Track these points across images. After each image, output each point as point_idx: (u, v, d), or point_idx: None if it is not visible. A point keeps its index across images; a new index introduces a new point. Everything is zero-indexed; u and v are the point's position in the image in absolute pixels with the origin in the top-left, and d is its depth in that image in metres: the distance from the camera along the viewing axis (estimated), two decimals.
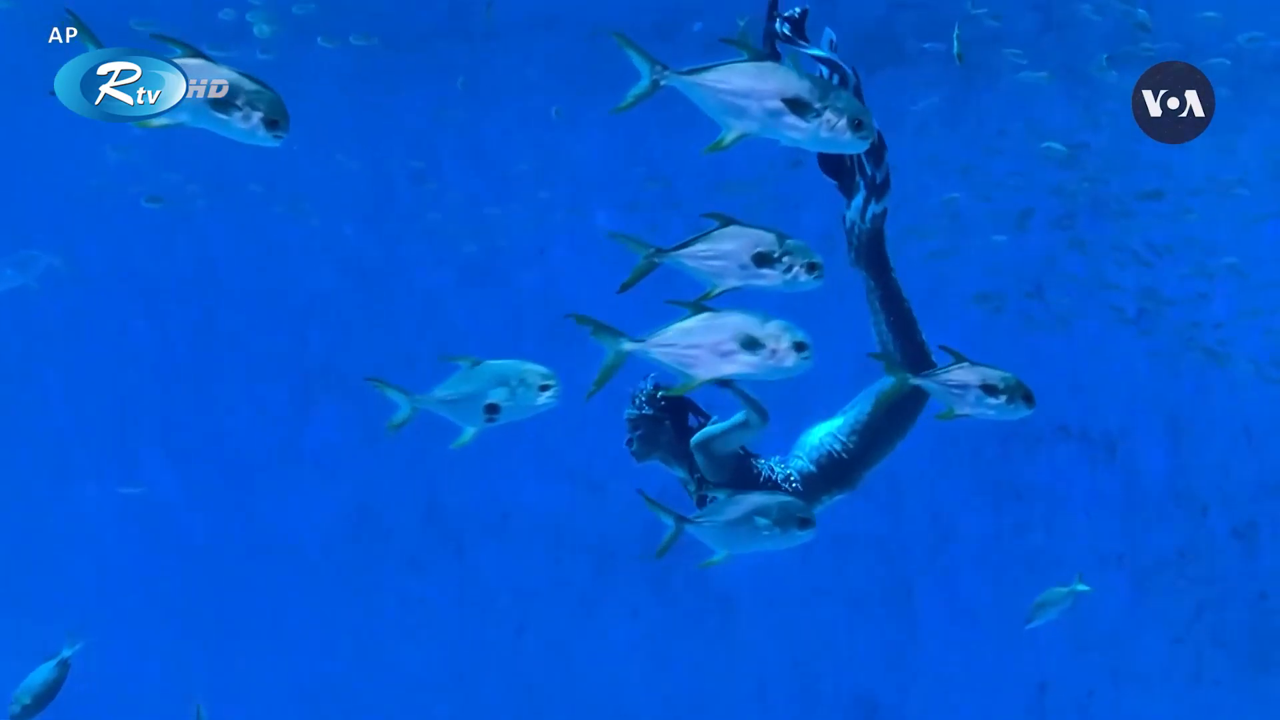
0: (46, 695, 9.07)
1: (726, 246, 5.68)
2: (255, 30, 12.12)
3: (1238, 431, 13.49)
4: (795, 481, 7.00)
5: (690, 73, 5.56)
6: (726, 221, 5.72)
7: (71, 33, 7.40)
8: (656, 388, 7.03)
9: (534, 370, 5.96)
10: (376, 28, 13.27)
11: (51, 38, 7.68)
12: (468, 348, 13.47)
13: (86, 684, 13.65)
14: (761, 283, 5.66)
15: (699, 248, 5.71)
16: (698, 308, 5.75)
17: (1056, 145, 12.53)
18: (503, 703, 13.77)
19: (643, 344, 5.79)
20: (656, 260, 5.74)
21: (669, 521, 6.31)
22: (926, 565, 13.62)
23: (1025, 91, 12.53)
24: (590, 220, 13.70)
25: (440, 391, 6.03)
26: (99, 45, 5.43)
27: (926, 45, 11.99)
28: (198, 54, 5.36)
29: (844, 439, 7.11)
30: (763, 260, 5.66)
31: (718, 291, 5.70)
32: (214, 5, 12.31)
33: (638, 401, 7.10)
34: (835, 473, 7.07)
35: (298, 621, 13.89)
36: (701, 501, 6.98)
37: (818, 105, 5.50)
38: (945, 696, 13.60)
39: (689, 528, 6.31)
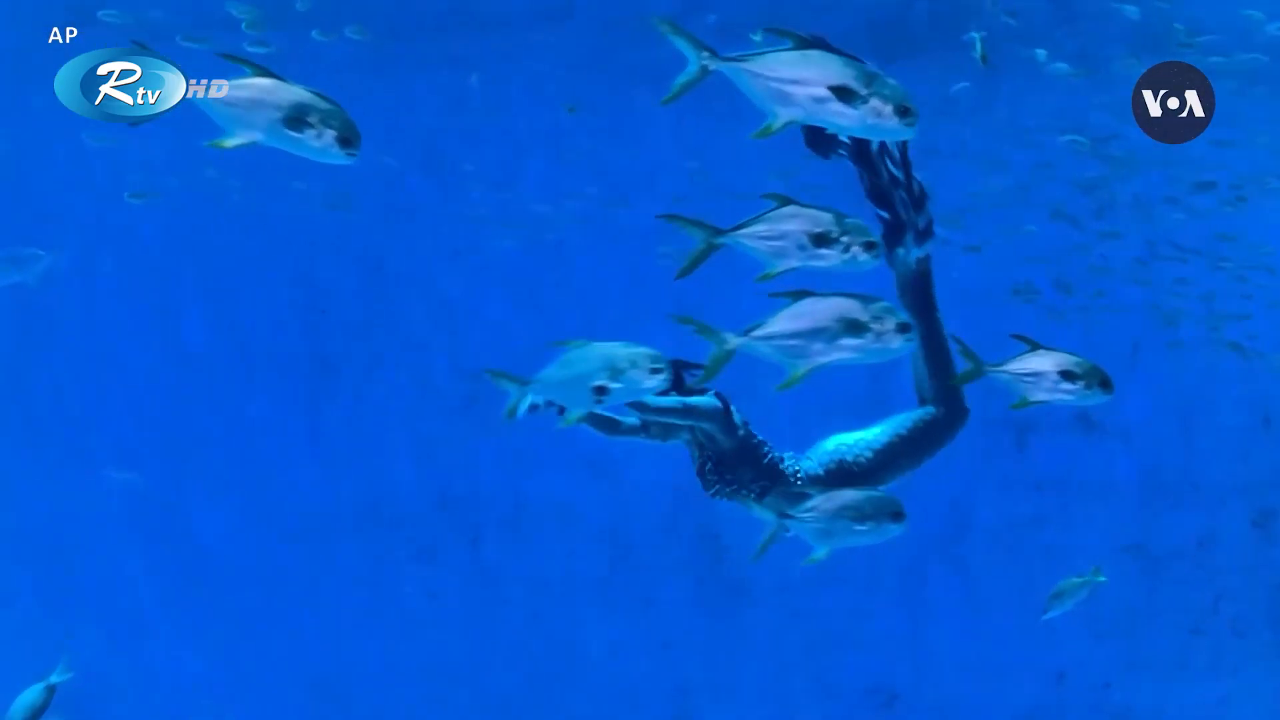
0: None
1: (785, 227, 5.62)
2: (243, 25, 12.02)
3: (1256, 421, 13.45)
4: (801, 479, 7.02)
5: (737, 59, 5.50)
6: (784, 202, 5.66)
7: (72, 32, 7.33)
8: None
9: (644, 353, 5.90)
10: (382, 19, 13.22)
11: (51, 38, 7.61)
12: (482, 337, 13.40)
13: (105, 675, 13.72)
14: (820, 263, 5.60)
15: (758, 228, 5.65)
16: (797, 296, 5.69)
17: (1080, 139, 12.46)
18: (516, 692, 13.74)
19: (747, 338, 5.73)
20: (715, 242, 5.68)
21: (769, 519, 6.34)
22: (943, 554, 13.57)
23: (1049, 83, 12.47)
24: (613, 215, 13.68)
25: (549, 374, 5.98)
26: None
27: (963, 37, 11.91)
28: (267, 73, 5.32)
29: (859, 453, 7.16)
30: (821, 240, 5.60)
31: (777, 272, 5.63)
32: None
33: None
34: (839, 483, 7.09)
35: (312, 612, 13.86)
36: (702, 468, 7.02)
37: (864, 92, 5.44)
38: (962, 686, 13.56)
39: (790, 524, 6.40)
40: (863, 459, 7.14)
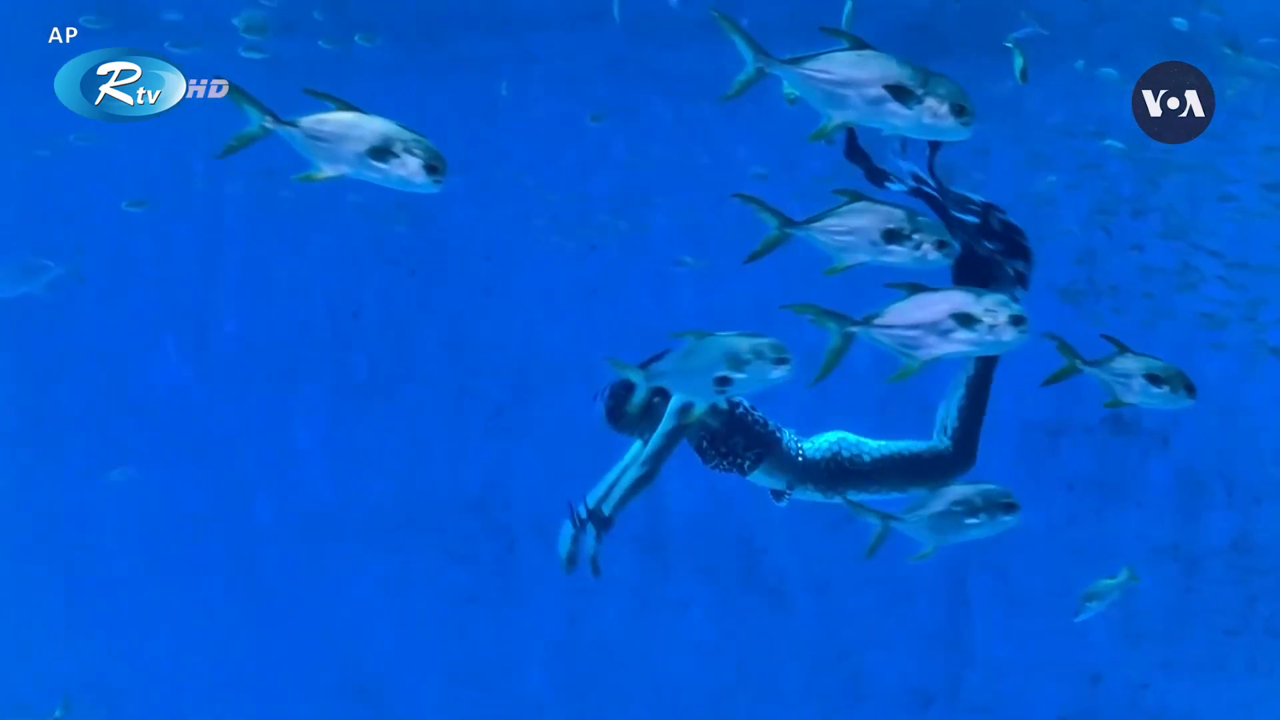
0: None
1: (857, 222, 5.66)
2: (240, 29, 12.07)
3: None
4: (802, 458, 7.12)
5: (793, 61, 5.55)
6: (856, 197, 5.71)
7: (72, 32, 7.36)
8: (614, 391, 7.10)
9: (767, 343, 5.97)
10: (410, 21, 13.30)
11: (51, 38, 7.64)
12: (517, 341, 13.42)
13: (133, 675, 13.78)
14: (890, 259, 5.65)
15: (829, 222, 5.68)
16: (914, 288, 5.74)
17: (1115, 143, 12.49)
18: (553, 696, 13.77)
19: (865, 326, 5.78)
20: (787, 232, 5.72)
21: (875, 521, 6.39)
22: (979, 556, 13.56)
23: (1086, 85, 12.50)
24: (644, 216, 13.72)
25: (671, 365, 6.05)
26: (261, 109, 5.42)
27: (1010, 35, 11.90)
28: (350, 107, 5.39)
29: (855, 454, 7.19)
30: (892, 236, 5.64)
31: (845, 266, 5.68)
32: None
33: (614, 393, 7.15)
34: (827, 473, 7.16)
35: (347, 616, 13.90)
36: (700, 445, 7.09)
37: (920, 91, 5.48)
38: (998, 688, 13.57)
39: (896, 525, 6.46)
40: (860, 464, 7.19)
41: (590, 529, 6.93)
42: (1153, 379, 6.39)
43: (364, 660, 13.85)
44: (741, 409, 7.16)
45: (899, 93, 5.46)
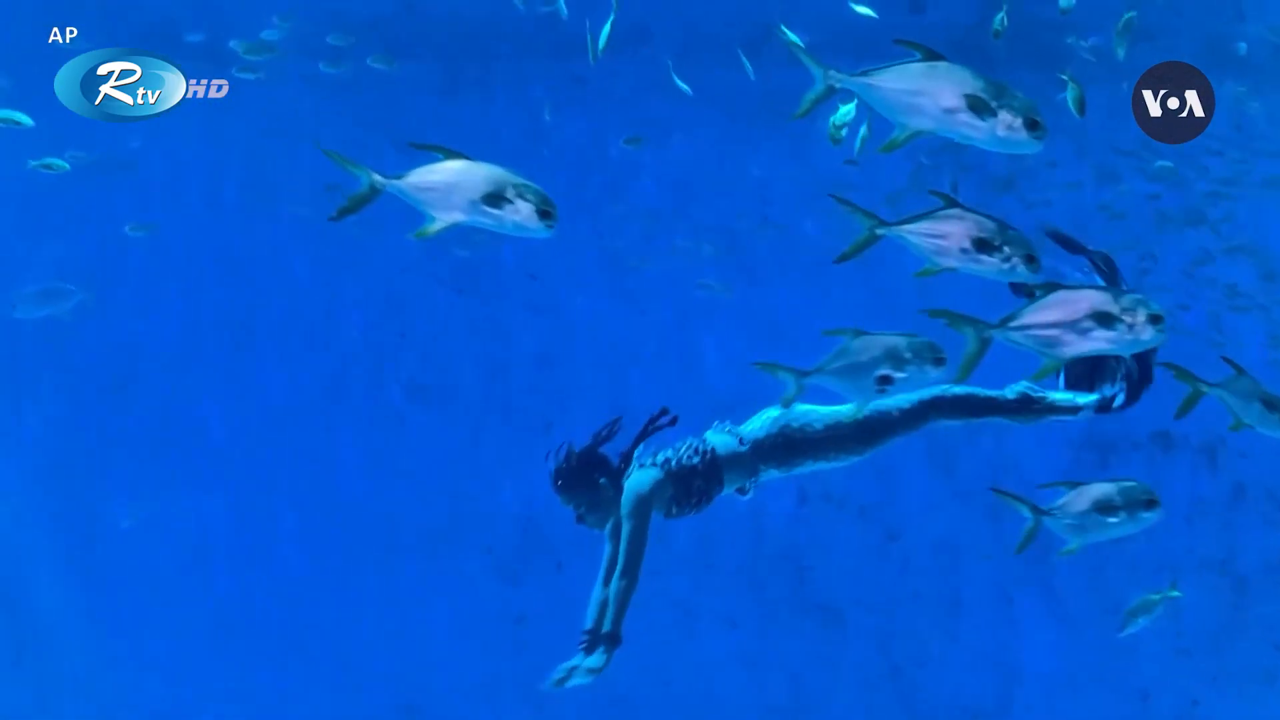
0: None
1: (948, 228, 5.70)
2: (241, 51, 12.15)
3: None
4: (746, 444, 7.11)
5: (863, 74, 5.59)
6: (950, 203, 5.74)
7: (72, 32, 7.36)
8: (569, 454, 7.13)
9: (926, 343, 6.03)
10: (457, 44, 13.38)
11: (51, 38, 7.64)
12: (563, 360, 13.43)
13: (179, 699, 13.83)
14: (978, 268, 5.69)
15: (922, 225, 5.73)
16: (1049, 288, 5.78)
17: (1166, 163, 12.52)
18: (602, 715, 13.76)
19: (1003, 329, 5.82)
20: (879, 233, 5.76)
21: (1027, 515, 6.47)
22: (1027, 572, 13.55)
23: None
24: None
25: (829, 364, 6.10)
26: (365, 169, 5.48)
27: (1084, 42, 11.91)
28: (459, 155, 5.43)
29: (811, 423, 7.17)
30: (983, 246, 5.67)
31: (934, 270, 5.72)
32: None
33: (559, 483, 7.19)
34: (779, 448, 7.16)
35: (397, 635, 13.93)
36: (668, 513, 7.13)
37: (994, 104, 5.51)
38: (1048, 705, 13.54)
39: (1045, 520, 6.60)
40: (809, 429, 7.18)
41: (601, 649, 7.00)
42: (1267, 404, 6.43)
43: (413, 680, 13.87)
44: (673, 463, 7.17)
45: (973, 104, 5.49)
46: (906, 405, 7.23)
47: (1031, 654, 13.62)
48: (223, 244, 13.99)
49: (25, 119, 8.65)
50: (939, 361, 5.98)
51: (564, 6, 10.58)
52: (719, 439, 7.26)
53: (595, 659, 6.90)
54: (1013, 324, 5.82)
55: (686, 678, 13.72)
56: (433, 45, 13.42)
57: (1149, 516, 6.54)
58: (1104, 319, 5.76)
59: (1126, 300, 5.78)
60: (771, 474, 7.30)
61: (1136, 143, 12.85)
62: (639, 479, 7.10)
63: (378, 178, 5.43)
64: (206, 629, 13.86)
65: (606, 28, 10.00)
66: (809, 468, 7.25)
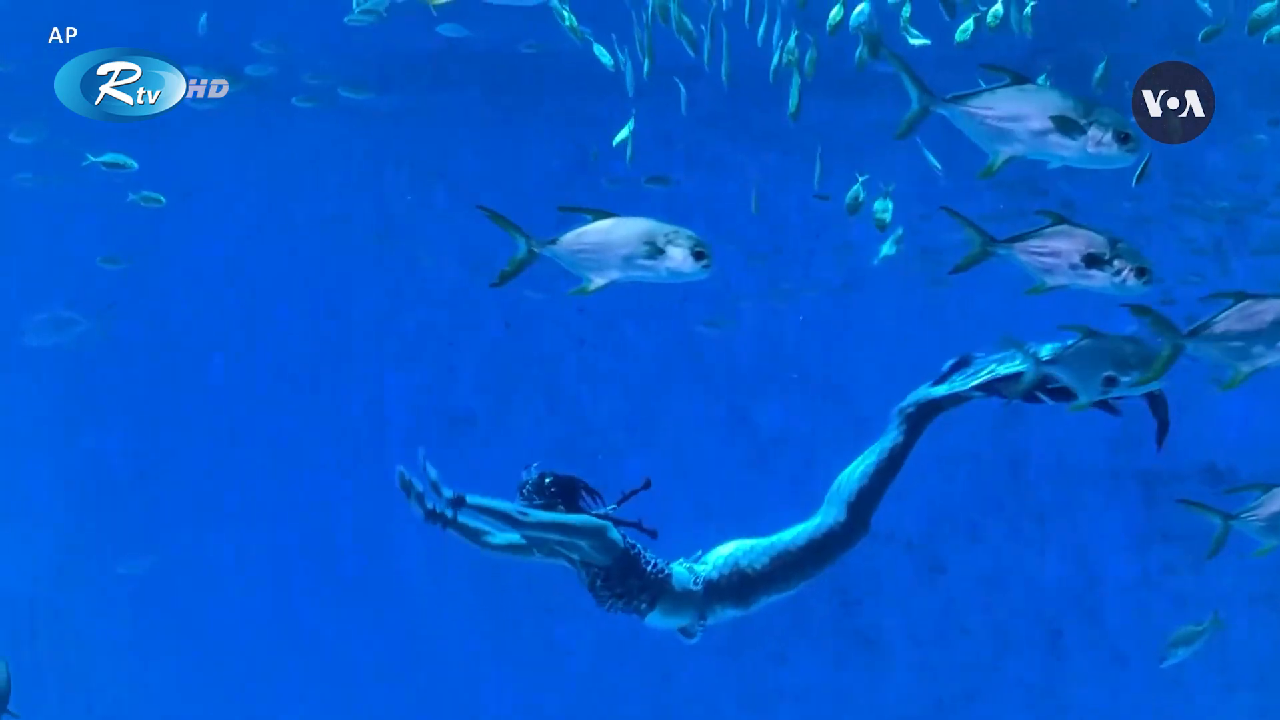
0: None
1: (1059, 244, 5.76)
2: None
3: None
4: (699, 583, 7.14)
5: (956, 99, 5.66)
6: (1059, 220, 5.79)
7: (72, 32, 7.41)
8: (542, 475, 7.15)
9: (1150, 352, 6.10)
10: (504, 75, 13.46)
11: (51, 38, 7.69)
12: (608, 388, 13.42)
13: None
14: (1089, 283, 5.74)
15: (1032, 243, 5.79)
16: (1239, 297, 5.82)
17: (1223, 204, 12.58)
18: None
19: (1195, 338, 5.88)
20: (990, 250, 5.82)
21: (1216, 520, 6.57)
22: (1073, 606, 13.55)
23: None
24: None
25: (1064, 356, 6.19)
26: (524, 233, 5.55)
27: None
28: (604, 214, 5.53)
29: (757, 559, 7.21)
30: (1093, 261, 5.72)
31: (1046, 288, 5.77)
32: None
33: (526, 491, 7.22)
34: (735, 586, 7.18)
35: (439, 667, 13.92)
36: (593, 584, 7.15)
37: (1083, 122, 5.57)
38: None
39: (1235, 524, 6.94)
40: (761, 565, 7.26)
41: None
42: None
43: (462, 710, 13.86)
44: (635, 549, 7.22)
45: (1063, 125, 5.55)
46: (837, 520, 7.28)
47: (1078, 689, 13.59)
48: (271, 276, 14.05)
49: (131, 162, 8.78)
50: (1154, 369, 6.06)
51: (604, 54, 10.64)
52: (680, 569, 7.31)
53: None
54: (1205, 333, 5.87)
55: (735, 708, 13.71)
56: (477, 79, 13.51)
57: None
58: None
59: None
60: (730, 612, 7.31)
61: None
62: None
63: (535, 244, 5.55)
64: (252, 653, 13.87)
65: (628, 130, 10.13)
66: (767, 600, 7.30)
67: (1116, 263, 5.73)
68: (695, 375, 14.06)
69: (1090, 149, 5.58)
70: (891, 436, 7.34)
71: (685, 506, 13.68)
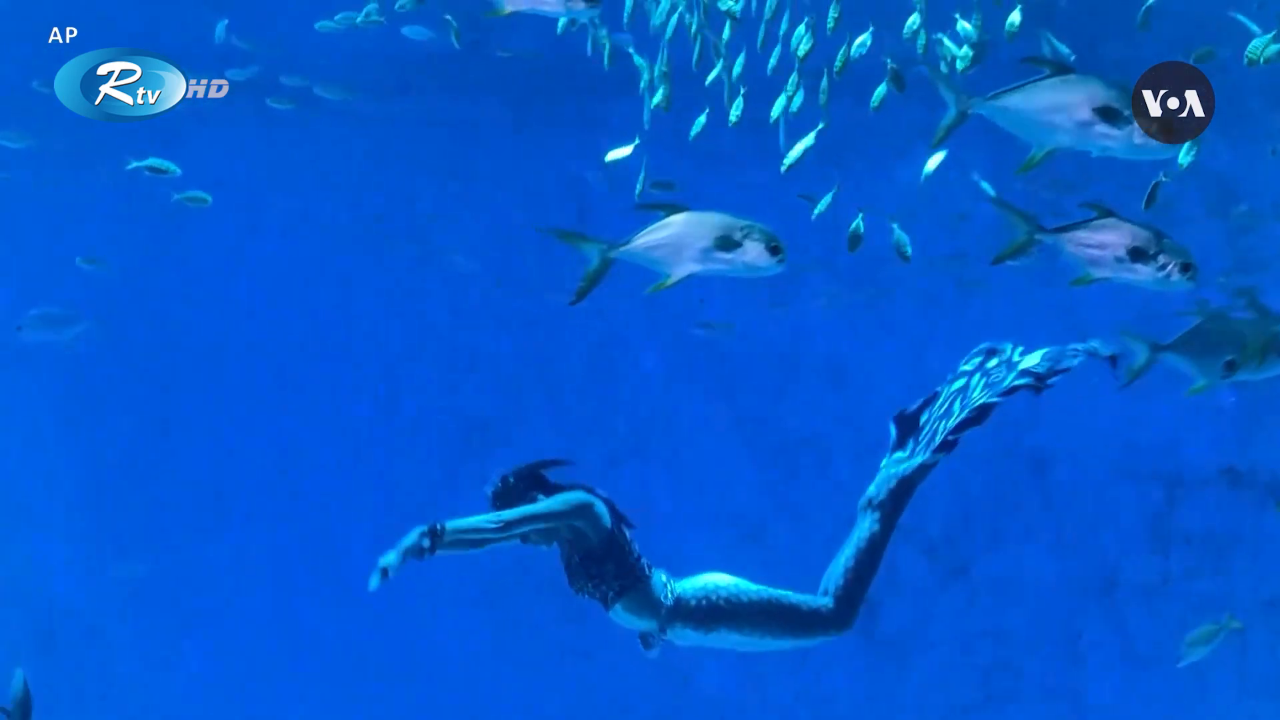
0: None
1: (1105, 237, 5.75)
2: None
3: None
4: (672, 595, 7.11)
5: (995, 97, 5.64)
6: (1105, 213, 5.78)
7: (72, 32, 7.40)
8: (504, 479, 7.31)
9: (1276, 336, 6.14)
10: (523, 81, 13.46)
11: (51, 38, 7.68)
12: (628, 394, 13.40)
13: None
14: (1133, 277, 5.73)
15: (1078, 234, 5.77)
16: None
17: (1243, 208, 12.60)
18: None
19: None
20: (1036, 238, 5.81)
21: None
22: (1093, 610, 13.53)
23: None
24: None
25: (1181, 343, 6.22)
26: (593, 241, 5.56)
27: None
28: (677, 208, 5.51)
29: (739, 595, 7.18)
30: (1138, 255, 5.71)
31: (1090, 280, 5.76)
32: None
33: (497, 504, 7.20)
34: (701, 611, 7.15)
35: (456, 671, 13.91)
36: (570, 560, 7.14)
37: (1128, 112, 5.55)
38: None
39: None
40: (734, 600, 7.17)
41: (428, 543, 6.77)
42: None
43: (462, 710, 13.84)
44: (624, 536, 7.20)
45: (1108, 114, 5.53)
46: (825, 607, 7.26)
47: (1098, 691, 13.56)
48: (288, 281, 14.06)
49: (174, 168, 8.79)
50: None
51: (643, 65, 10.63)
52: (659, 575, 7.28)
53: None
54: None
55: (760, 713, 13.69)
56: (502, 83, 13.50)
57: None
58: None
59: None
60: (686, 633, 7.25)
61: None
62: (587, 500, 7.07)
63: (608, 250, 5.56)
64: (270, 667, 13.86)
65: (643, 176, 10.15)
66: (725, 637, 7.25)
67: (1161, 258, 5.72)
68: (704, 379, 14.08)
69: (1137, 139, 5.56)
70: (867, 527, 7.28)
71: (699, 514, 13.77)
